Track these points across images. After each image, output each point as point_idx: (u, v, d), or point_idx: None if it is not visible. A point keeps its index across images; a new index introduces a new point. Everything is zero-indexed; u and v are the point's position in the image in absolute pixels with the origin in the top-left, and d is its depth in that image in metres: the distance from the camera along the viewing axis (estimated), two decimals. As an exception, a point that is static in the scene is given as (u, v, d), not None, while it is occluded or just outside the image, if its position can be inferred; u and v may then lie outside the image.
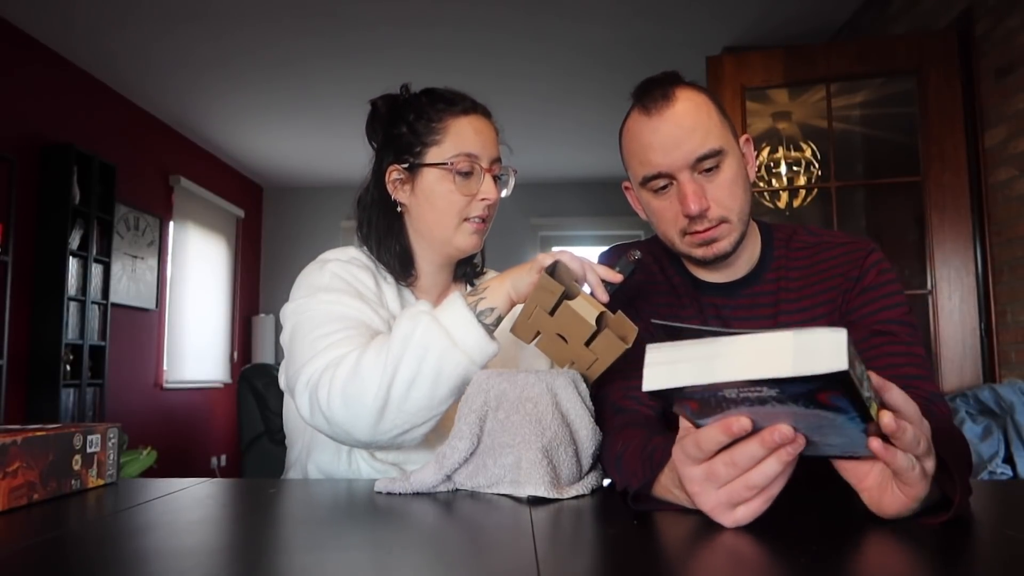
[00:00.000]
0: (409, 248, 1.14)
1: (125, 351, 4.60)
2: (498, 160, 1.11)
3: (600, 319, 0.87)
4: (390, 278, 1.13)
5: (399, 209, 1.13)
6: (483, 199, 1.08)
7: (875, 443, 0.55)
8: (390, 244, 1.13)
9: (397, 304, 1.11)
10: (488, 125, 1.11)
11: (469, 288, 0.98)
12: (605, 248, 1.13)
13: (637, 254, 0.97)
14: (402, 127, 1.09)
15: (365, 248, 1.17)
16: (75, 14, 3.63)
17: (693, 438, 0.60)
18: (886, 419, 0.54)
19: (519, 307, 0.95)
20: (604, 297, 0.91)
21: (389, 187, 1.11)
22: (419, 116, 1.08)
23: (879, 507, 0.61)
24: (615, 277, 0.92)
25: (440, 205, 1.08)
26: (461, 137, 1.07)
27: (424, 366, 0.89)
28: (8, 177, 3.46)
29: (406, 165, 1.09)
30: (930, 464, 0.59)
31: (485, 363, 0.92)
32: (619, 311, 0.90)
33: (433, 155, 1.07)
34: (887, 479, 0.60)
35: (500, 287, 0.95)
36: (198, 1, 3.51)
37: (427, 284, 1.17)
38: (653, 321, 0.57)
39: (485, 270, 1.26)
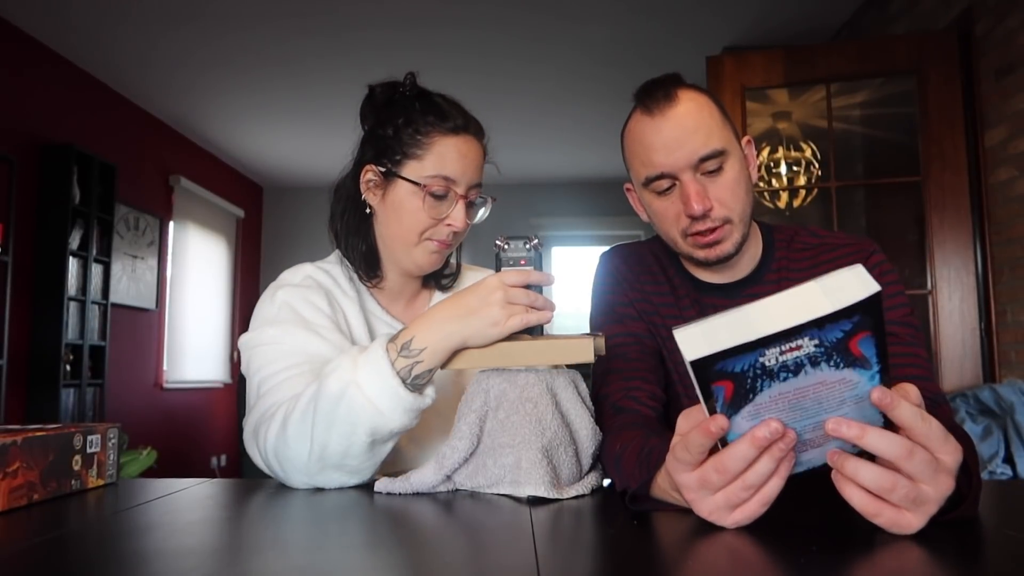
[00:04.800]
0: (376, 250, 1.10)
1: (125, 351, 4.60)
2: (477, 185, 1.06)
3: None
4: (350, 291, 1.09)
5: (368, 210, 1.09)
6: (449, 225, 1.04)
7: (877, 392, 0.54)
8: (357, 243, 1.09)
9: (360, 319, 1.07)
10: (475, 148, 1.05)
11: (403, 334, 0.85)
12: (605, 248, 1.14)
13: (536, 239, 0.90)
14: (388, 128, 1.05)
15: (332, 255, 1.13)
16: (75, 14, 3.63)
17: (682, 441, 0.60)
18: (905, 385, 0.56)
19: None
20: (552, 309, 0.85)
21: (362, 186, 1.08)
22: (407, 123, 1.03)
23: (907, 523, 0.57)
24: (549, 280, 0.86)
25: (405, 220, 1.03)
26: (443, 159, 1.02)
27: (355, 439, 0.83)
28: (8, 177, 3.46)
29: (383, 170, 1.05)
30: (950, 458, 0.56)
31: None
32: (600, 335, 0.86)
33: (411, 169, 1.03)
34: (908, 495, 0.56)
35: (444, 343, 0.83)
36: (198, 1, 3.51)
37: (394, 289, 1.13)
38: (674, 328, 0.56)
39: (462, 268, 1.22)
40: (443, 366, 0.85)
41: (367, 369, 0.82)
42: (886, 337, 0.53)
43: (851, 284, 0.51)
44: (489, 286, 0.83)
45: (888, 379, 0.55)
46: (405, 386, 0.83)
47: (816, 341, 0.52)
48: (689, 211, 0.93)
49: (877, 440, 0.54)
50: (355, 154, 1.11)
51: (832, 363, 0.53)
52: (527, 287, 0.84)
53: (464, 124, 1.04)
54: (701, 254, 0.97)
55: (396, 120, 1.04)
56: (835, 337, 0.52)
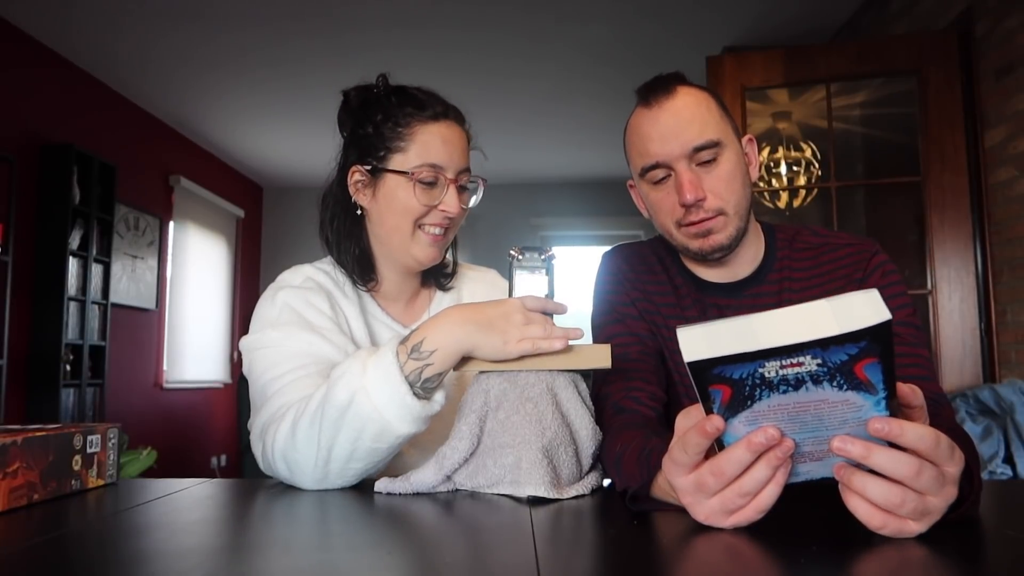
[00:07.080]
0: (370, 252, 1.09)
1: (125, 351, 4.60)
2: (466, 170, 1.05)
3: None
4: (350, 292, 1.09)
5: (359, 212, 1.08)
6: (443, 210, 1.03)
7: (877, 423, 0.53)
8: (349, 247, 1.08)
9: (360, 321, 1.07)
10: (458, 133, 1.05)
11: (413, 336, 0.84)
12: (605, 248, 1.13)
13: (550, 250, 0.91)
14: (368, 127, 1.04)
15: (329, 256, 1.12)
16: (75, 14, 3.63)
17: (680, 441, 0.60)
18: (905, 388, 0.56)
19: None
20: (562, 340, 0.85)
21: (351, 188, 1.06)
22: (386, 118, 1.03)
23: (910, 530, 0.57)
24: (563, 309, 0.87)
25: (399, 210, 1.02)
26: (427, 147, 1.01)
27: (360, 443, 0.83)
28: (8, 177, 3.46)
29: (369, 168, 1.04)
30: (955, 469, 0.56)
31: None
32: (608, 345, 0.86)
33: (397, 162, 1.02)
34: (916, 509, 0.56)
35: (455, 347, 0.83)
36: (198, 1, 3.51)
37: (391, 291, 1.12)
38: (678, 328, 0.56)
39: (459, 267, 1.21)
40: (456, 367, 0.85)
41: (376, 374, 0.82)
42: (895, 364, 0.51)
43: (862, 309, 0.49)
44: (512, 305, 0.85)
45: (895, 405, 0.54)
46: (413, 392, 0.83)
47: (819, 360, 0.51)
48: (682, 199, 0.94)
49: (884, 460, 0.54)
50: (339, 160, 1.11)
51: (835, 384, 0.52)
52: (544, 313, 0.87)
53: (443, 111, 1.04)
54: (695, 245, 0.98)
55: (375, 117, 1.04)
56: (839, 359, 0.51)
